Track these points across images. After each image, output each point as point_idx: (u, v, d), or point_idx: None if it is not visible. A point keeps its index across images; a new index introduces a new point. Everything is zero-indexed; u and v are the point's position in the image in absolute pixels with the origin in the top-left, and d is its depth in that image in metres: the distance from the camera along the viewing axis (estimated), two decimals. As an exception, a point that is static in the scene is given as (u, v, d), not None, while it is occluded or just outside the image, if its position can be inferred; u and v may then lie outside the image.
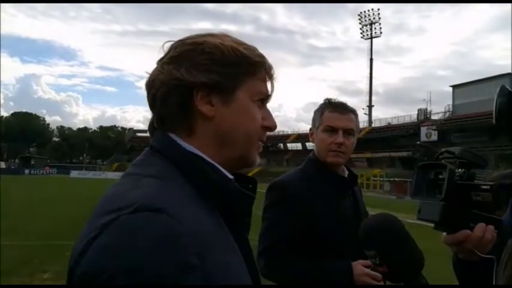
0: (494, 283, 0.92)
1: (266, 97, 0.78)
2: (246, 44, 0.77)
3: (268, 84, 0.79)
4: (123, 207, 0.57)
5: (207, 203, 0.67)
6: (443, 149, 1.04)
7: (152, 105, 0.75)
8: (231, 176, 0.73)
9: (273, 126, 0.79)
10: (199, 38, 0.75)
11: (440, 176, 0.96)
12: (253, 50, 0.77)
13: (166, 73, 0.72)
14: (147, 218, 0.56)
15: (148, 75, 0.76)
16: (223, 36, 0.76)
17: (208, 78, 0.71)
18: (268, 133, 0.80)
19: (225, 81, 0.72)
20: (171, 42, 0.77)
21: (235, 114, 0.73)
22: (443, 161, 1.00)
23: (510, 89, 0.81)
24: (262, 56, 0.77)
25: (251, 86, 0.75)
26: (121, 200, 0.59)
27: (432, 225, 0.96)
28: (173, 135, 0.73)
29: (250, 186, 0.79)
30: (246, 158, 0.77)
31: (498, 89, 0.81)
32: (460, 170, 0.97)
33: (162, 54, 0.77)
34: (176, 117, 0.72)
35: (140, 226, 0.55)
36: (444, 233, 0.96)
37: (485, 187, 0.92)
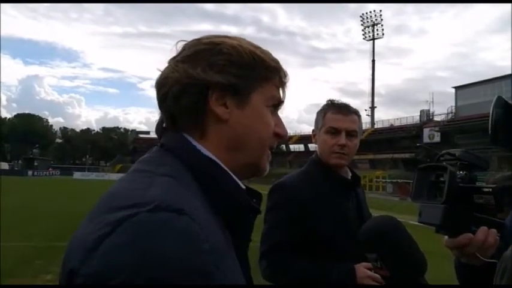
0: None
1: (279, 103, 0.77)
2: (262, 48, 0.75)
3: (281, 91, 0.78)
4: (140, 204, 0.53)
5: (215, 210, 0.65)
6: (444, 151, 1.04)
7: (162, 103, 0.73)
8: (243, 186, 0.72)
9: (285, 135, 0.78)
10: (216, 38, 0.73)
11: (441, 179, 0.95)
12: (269, 54, 0.76)
13: (181, 71, 0.69)
14: (168, 219, 0.52)
15: (159, 73, 0.73)
16: (240, 38, 0.75)
17: (224, 78, 0.69)
18: None
19: (242, 83, 0.70)
20: (185, 42, 0.75)
21: (249, 118, 0.72)
22: (444, 163, 0.99)
23: (506, 100, 0.81)
24: (277, 62, 0.76)
25: (266, 91, 0.74)
26: (136, 197, 0.56)
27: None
28: (188, 136, 0.71)
29: (254, 200, 0.75)
30: (256, 165, 0.75)
31: (494, 100, 0.80)
32: (461, 172, 0.97)
33: (173, 54, 0.74)
34: (189, 117, 0.70)
35: (161, 226, 0.51)
36: (446, 237, 0.95)
37: (487, 190, 0.90)
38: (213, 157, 0.69)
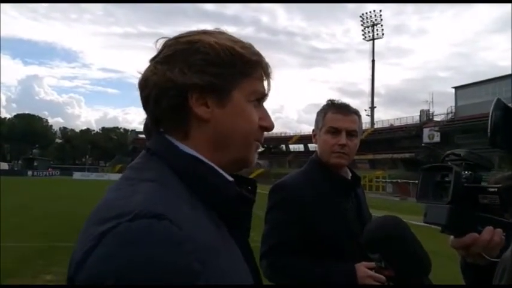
0: None
1: (262, 97, 0.76)
2: (241, 42, 0.74)
3: (265, 83, 0.76)
4: (121, 214, 0.55)
5: (206, 206, 0.66)
6: (448, 151, 1.03)
7: (145, 106, 0.73)
8: (231, 179, 0.72)
9: (270, 127, 0.77)
10: (193, 36, 0.72)
11: (447, 179, 0.95)
12: (249, 47, 0.74)
13: (159, 74, 0.69)
14: (147, 226, 0.54)
15: (140, 75, 0.73)
16: (219, 34, 0.74)
17: (202, 79, 0.68)
18: (270, 134, 0.79)
19: (220, 82, 0.70)
20: (165, 39, 0.74)
21: (232, 116, 0.71)
22: (449, 163, 0.99)
23: (505, 103, 0.80)
24: (258, 55, 0.75)
25: (247, 86, 0.73)
26: (119, 207, 0.57)
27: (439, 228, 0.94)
28: (171, 138, 0.71)
29: (249, 188, 0.77)
30: (242, 160, 0.75)
31: (493, 102, 0.80)
32: (466, 172, 0.96)
33: (156, 52, 0.74)
34: (171, 119, 0.71)
35: (141, 234, 0.53)
36: (451, 237, 0.95)
37: (492, 189, 0.90)
38: (197, 154, 0.70)
